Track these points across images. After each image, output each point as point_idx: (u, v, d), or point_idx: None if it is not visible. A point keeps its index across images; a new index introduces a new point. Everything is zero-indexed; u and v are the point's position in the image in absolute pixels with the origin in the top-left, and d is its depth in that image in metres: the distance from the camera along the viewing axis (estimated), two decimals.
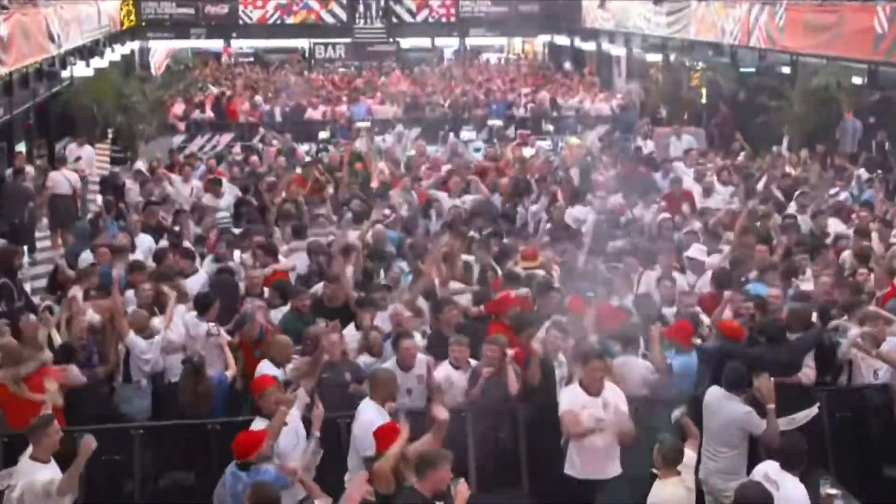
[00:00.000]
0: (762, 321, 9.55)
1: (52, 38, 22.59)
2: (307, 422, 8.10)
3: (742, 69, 25.59)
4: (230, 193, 15.75)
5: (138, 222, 13.95)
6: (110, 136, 25.55)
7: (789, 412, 8.70)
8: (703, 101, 28.05)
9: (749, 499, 6.64)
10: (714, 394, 8.40)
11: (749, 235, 12.51)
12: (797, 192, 15.29)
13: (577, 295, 10.28)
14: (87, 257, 12.43)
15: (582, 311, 9.90)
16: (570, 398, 8.34)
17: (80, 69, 24.64)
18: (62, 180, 17.97)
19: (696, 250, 12.20)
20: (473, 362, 9.39)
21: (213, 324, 10.01)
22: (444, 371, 9.32)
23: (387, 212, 14.41)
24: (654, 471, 7.41)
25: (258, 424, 7.93)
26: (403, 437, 7.33)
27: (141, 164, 18.67)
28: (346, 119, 26.16)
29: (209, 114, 27.20)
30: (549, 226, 14.47)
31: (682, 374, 9.31)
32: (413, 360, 9.29)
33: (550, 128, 26.66)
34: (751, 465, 7.93)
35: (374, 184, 16.89)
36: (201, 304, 10.25)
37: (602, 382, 8.36)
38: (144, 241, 13.30)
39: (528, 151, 20.82)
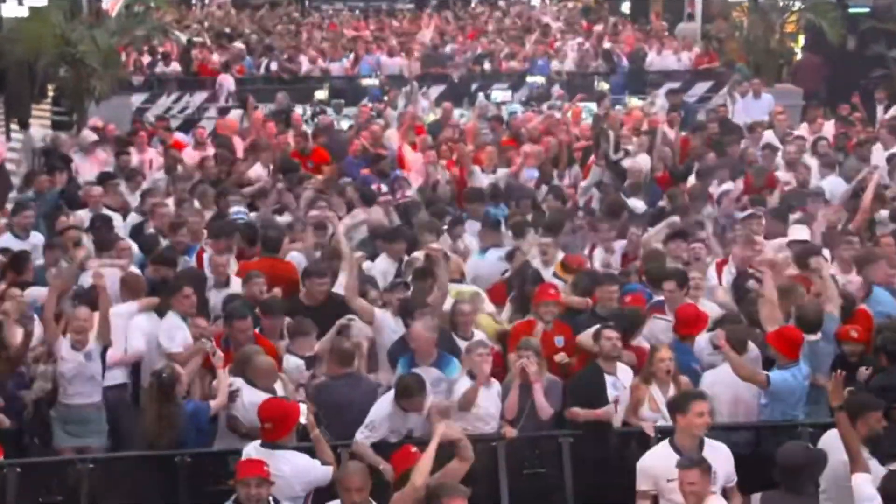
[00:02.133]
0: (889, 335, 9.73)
1: None
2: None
3: (852, 9, 25.41)
4: None
5: (99, 199, 14.28)
6: (51, 94, 25.66)
7: None
8: (799, 50, 27.93)
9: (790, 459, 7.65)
10: (830, 441, 8.45)
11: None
12: None
13: (636, 293, 10.50)
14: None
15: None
16: (657, 460, 8.36)
17: (11, 8, 24.52)
18: None
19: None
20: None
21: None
22: (462, 387, 9.47)
23: (410, 193, 14.78)
24: None
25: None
26: (426, 464, 7.61)
27: (89, 133, 18.82)
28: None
29: (175, 67, 27.39)
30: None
31: (782, 392, 9.44)
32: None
33: (605, 86, 26.64)
34: None
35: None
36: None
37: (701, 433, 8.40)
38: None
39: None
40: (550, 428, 9.60)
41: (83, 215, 14.09)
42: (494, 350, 10.12)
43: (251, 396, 9.25)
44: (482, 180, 15.72)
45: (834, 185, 15.38)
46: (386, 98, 23.46)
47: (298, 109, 22.76)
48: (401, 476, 7.91)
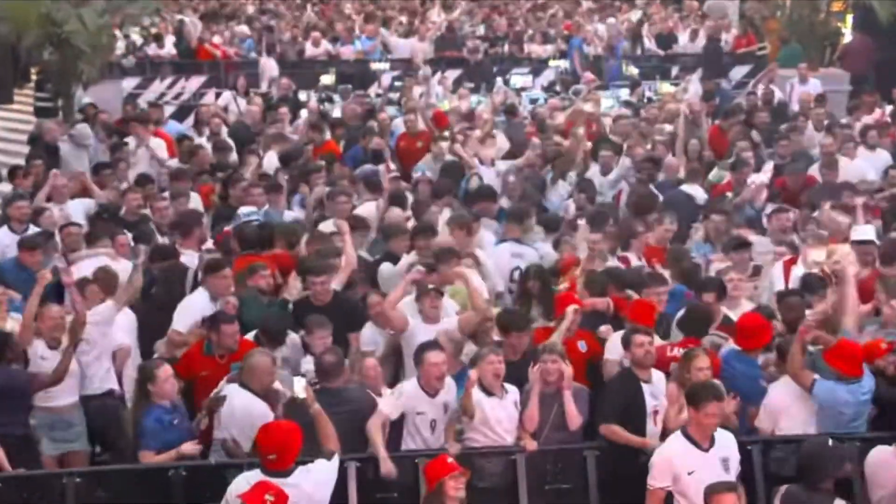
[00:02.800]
0: None
1: None
2: None
3: None
4: None
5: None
6: (34, 77, 25.69)
7: None
8: (847, 31, 27.79)
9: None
10: (880, 456, 8.56)
11: None
12: None
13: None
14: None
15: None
16: (674, 453, 8.47)
17: None
18: None
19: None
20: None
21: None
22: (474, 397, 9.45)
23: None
24: None
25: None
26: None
27: (85, 127, 18.84)
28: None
29: (169, 49, 27.43)
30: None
31: (827, 403, 9.41)
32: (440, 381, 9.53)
33: (634, 71, 26.58)
34: None
35: None
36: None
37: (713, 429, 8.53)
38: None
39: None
40: (575, 439, 9.61)
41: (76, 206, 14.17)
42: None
43: (243, 400, 9.29)
44: (485, 174, 15.67)
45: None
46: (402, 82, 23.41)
47: (302, 96, 22.78)
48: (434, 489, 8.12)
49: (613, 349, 10.22)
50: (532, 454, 9.36)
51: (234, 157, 17.01)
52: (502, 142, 17.68)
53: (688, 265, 11.90)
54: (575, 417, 9.50)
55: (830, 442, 8.55)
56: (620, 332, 10.09)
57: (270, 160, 16.50)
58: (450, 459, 8.30)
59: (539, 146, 16.47)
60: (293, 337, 10.61)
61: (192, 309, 10.96)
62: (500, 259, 12.54)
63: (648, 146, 16.84)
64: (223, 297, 10.90)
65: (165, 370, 9.54)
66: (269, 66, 25.47)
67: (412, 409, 9.44)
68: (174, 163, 16.71)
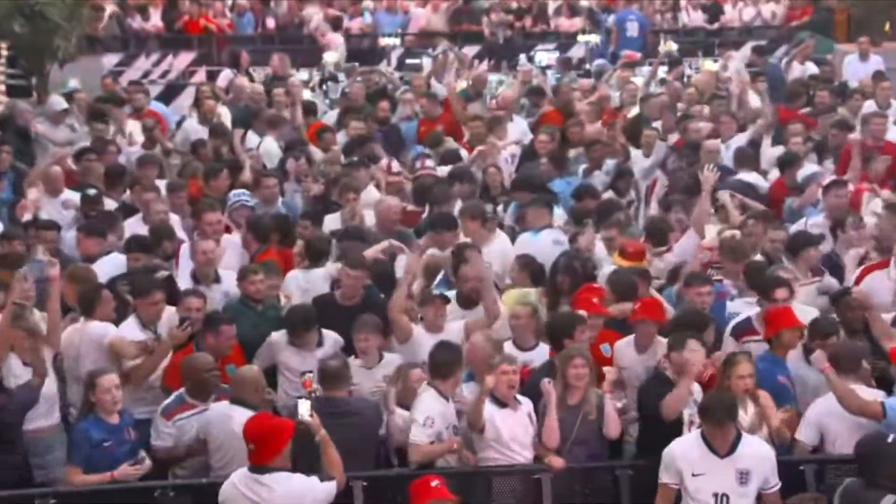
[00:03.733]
0: None
1: None
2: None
3: None
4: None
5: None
6: (4, 53, 25.71)
7: None
8: None
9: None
10: None
11: None
12: None
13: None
14: None
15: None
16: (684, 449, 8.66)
17: None
18: None
19: None
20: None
21: None
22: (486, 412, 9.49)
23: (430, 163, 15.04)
24: None
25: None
26: None
27: (58, 99, 18.89)
28: None
29: (156, 22, 27.49)
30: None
31: None
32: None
33: (673, 46, 26.49)
34: None
35: None
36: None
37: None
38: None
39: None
40: (603, 456, 9.68)
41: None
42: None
43: (242, 417, 9.24)
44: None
45: None
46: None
47: (303, 74, 22.74)
48: None
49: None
50: (558, 473, 9.38)
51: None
52: (521, 130, 17.67)
53: (754, 264, 11.92)
54: (615, 423, 9.55)
55: (890, 438, 8.69)
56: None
57: (268, 145, 16.56)
58: (434, 483, 8.41)
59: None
60: (333, 336, 10.70)
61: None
62: (542, 248, 12.53)
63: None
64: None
65: (109, 379, 9.53)
66: (335, 41, 25.46)
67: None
68: (136, 149, 16.65)
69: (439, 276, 11.93)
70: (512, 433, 9.45)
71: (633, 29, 25.80)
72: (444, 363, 9.65)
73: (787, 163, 15.08)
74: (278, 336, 10.76)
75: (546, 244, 12.59)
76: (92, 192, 14.05)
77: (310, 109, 18.63)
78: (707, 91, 19.28)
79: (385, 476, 9.50)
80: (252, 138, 17.06)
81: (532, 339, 10.66)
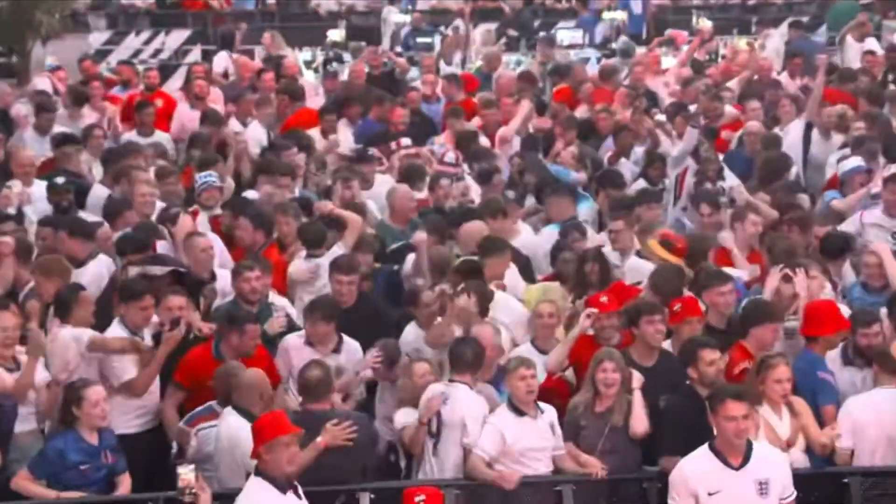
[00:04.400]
0: None
1: None
2: None
3: None
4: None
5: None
6: None
7: None
8: None
9: None
10: None
11: None
12: None
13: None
14: None
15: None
16: (696, 468, 8.63)
17: None
18: None
19: None
20: None
21: None
22: (501, 420, 9.53)
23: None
24: None
25: None
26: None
27: (42, 81, 18.94)
28: None
29: None
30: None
31: None
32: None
33: (707, 23, 26.46)
34: None
35: None
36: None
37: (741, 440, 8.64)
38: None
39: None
40: (636, 464, 9.69)
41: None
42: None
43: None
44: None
45: None
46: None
47: (306, 54, 22.74)
48: None
49: None
50: (580, 485, 9.40)
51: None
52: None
53: None
54: (642, 420, 9.58)
55: None
56: None
57: (255, 130, 16.62)
58: (419, 497, 8.57)
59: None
60: (354, 345, 10.71)
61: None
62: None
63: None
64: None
65: (96, 391, 9.50)
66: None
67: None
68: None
69: None
70: (526, 444, 9.46)
71: (637, 7, 25.94)
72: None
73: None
74: (293, 338, 10.80)
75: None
76: (60, 179, 14.00)
77: (295, 95, 18.52)
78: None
79: (389, 487, 9.48)
80: (234, 124, 17.09)
81: (555, 340, 10.66)
